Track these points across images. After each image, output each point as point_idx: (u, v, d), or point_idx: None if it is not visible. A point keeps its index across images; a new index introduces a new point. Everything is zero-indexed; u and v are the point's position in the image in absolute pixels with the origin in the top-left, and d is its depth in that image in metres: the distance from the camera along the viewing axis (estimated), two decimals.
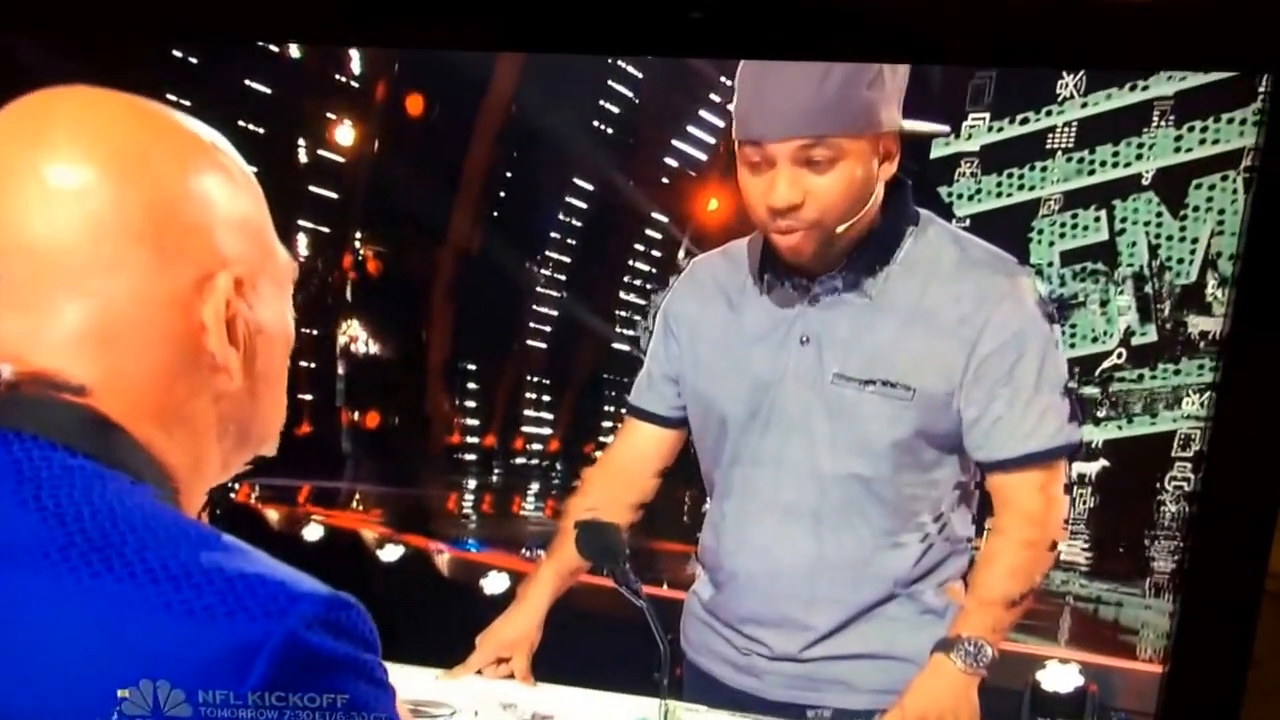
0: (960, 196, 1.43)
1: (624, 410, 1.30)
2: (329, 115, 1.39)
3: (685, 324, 1.27)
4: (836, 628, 1.22)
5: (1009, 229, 1.44)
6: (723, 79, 1.21)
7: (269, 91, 1.34)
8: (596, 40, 1.15)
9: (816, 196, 1.13)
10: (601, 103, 1.37)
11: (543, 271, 1.44)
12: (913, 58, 1.17)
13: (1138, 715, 1.45)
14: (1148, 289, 1.45)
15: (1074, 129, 1.40)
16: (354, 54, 1.32)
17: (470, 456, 1.51)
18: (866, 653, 1.26)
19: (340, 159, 1.36)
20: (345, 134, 1.36)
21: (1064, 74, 1.37)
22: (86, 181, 0.52)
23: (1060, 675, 1.45)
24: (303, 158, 1.39)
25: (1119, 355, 1.47)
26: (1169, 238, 1.43)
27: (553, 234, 1.42)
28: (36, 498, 0.52)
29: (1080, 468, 1.54)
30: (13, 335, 0.54)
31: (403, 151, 1.38)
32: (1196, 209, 1.41)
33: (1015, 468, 1.20)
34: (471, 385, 1.48)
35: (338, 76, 1.34)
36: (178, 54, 1.31)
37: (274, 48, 1.32)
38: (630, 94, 1.32)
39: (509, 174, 1.39)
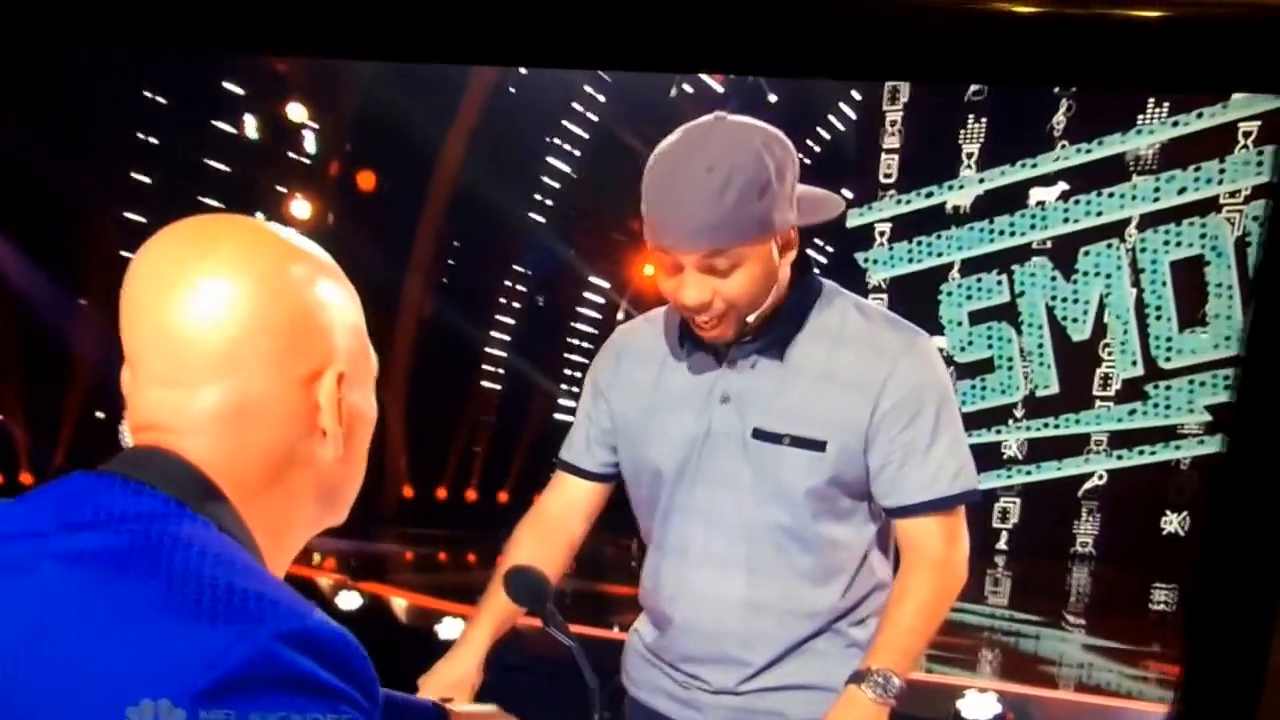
0: (875, 262, 1.56)
1: (556, 463, 1.37)
2: (283, 190, 1.48)
3: (615, 389, 1.30)
4: (770, 662, 1.27)
5: (921, 291, 1.57)
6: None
7: (228, 169, 1.43)
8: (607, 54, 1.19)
9: (724, 295, 1.14)
10: (543, 177, 1.47)
11: (491, 334, 1.53)
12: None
13: None
14: (1046, 344, 1.59)
15: (973, 200, 1.54)
16: (309, 134, 1.41)
17: (423, 509, 1.59)
18: (798, 684, 1.29)
19: (298, 229, 1.45)
20: (301, 208, 1.45)
21: (966, 150, 1.51)
22: (239, 290, 0.61)
23: (979, 703, 1.56)
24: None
25: (1022, 408, 1.60)
26: (1063, 299, 1.58)
27: (500, 299, 1.52)
28: (106, 517, 0.58)
29: (1002, 506, 1.66)
30: (155, 405, 0.63)
31: (356, 223, 1.48)
32: (1086, 273, 1.56)
33: (918, 513, 1.25)
34: (424, 442, 1.57)
35: (292, 154, 1.44)
36: (141, 135, 1.39)
37: (230, 128, 1.41)
38: (568, 168, 1.43)
39: (457, 244, 1.49)
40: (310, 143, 1.34)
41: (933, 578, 1.26)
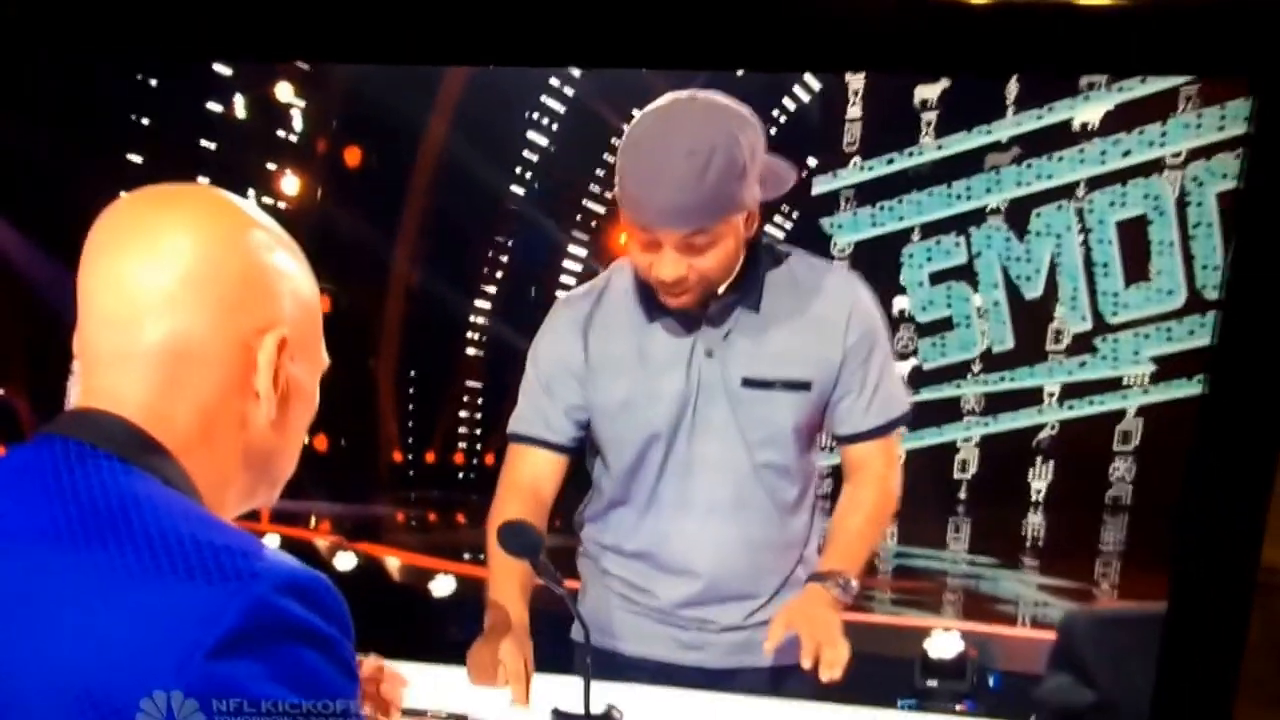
0: (839, 227, 1.64)
1: (515, 438, 1.38)
2: (273, 167, 1.53)
3: (595, 368, 1.33)
4: (773, 594, 1.39)
5: (884, 254, 1.65)
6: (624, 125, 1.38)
7: (215, 147, 1.48)
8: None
9: (699, 270, 1.23)
10: (524, 151, 1.52)
11: (475, 303, 1.59)
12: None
13: (1011, 675, 1.66)
14: (1002, 302, 1.68)
15: (932, 165, 1.62)
16: (296, 112, 1.46)
17: (413, 472, 1.66)
18: None
19: (287, 206, 1.51)
20: (290, 183, 1.50)
21: (925, 119, 1.59)
22: (196, 238, 0.65)
23: (944, 642, 1.66)
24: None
25: (980, 364, 1.69)
26: (1017, 259, 1.66)
27: (484, 269, 1.58)
28: (59, 485, 0.60)
29: (962, 458, 1.74)
30: (101, 348, 0.64)
31: (345, 199, 1.53)
32: (1038, 233, 1.65)
33: (869, 438, 1.37)
34: (413, 408, 1.63)
35: (280, 133, 1.48)
36: (134, 117, 1.44)
37: (219, 108, 1.46)
38: (545, 141, 1.49)
39: (441, 215, 1.54)
40: (297, 121, 1.39)
41: (878, 492, 1.42)
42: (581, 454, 1.39)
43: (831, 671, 1.18)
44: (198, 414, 0.69)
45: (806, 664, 1.18)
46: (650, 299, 1.36)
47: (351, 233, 1.49)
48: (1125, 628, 1.44)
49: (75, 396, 0.69)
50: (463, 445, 1.63)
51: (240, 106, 1.45)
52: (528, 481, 1.37)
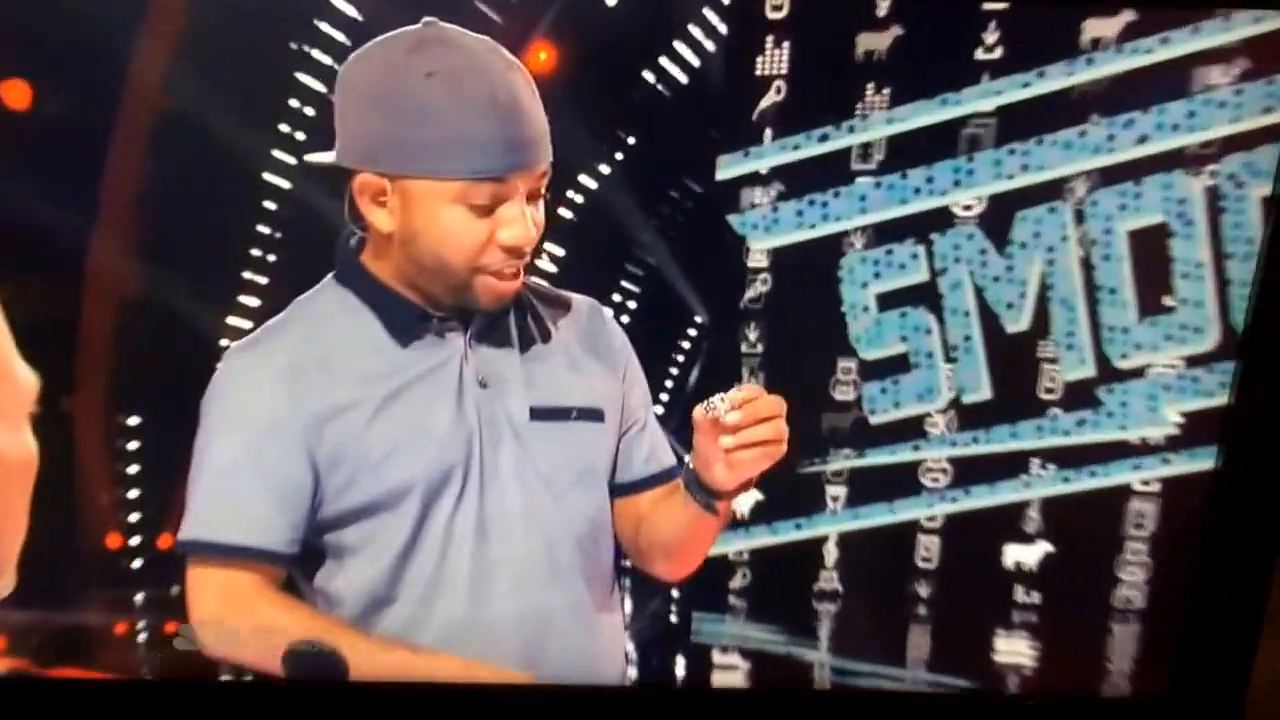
0: (754, 227, 1.20)
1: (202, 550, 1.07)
2: None
3: (321, 423, 1.03)
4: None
5: (815, 266, 1.22)
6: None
7: None
8: None
9: (538, 226, 1.05)
10: (290, 99, 1.09)
11: (227, 320, 1.14)
12: None
13: None
14: (975, 336, 1.25)
15: (882, 149, 1.19)
16: None
17: (138, 563, 1.18)
18: None
19: None
20: None
21: (870, 83, 1.16)
22: None
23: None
24: None
25: (945, 417, 1.25)
26: (995, 278, 1.23)
27: (242, 262, 1.12)
28: None
29: (924, 544, 1.32)
30: None
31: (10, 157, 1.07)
32: (1023, 244, 1.22)
33: (646, 487, 1.15)
34: (140, 467, 1.16)
35: None
36: None
37: None
38: (322, 87, 1.04)
39: (173, 189, 1.09)
40: None
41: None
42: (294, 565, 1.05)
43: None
44: None
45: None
46: (395, 321, 1.04)
47: (20, 209, 1.02)
48: None
49: None
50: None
51: None
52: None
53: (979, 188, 1.20)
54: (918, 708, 1.34)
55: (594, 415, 1.09)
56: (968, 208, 1.21)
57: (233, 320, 1.10)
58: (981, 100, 1.17)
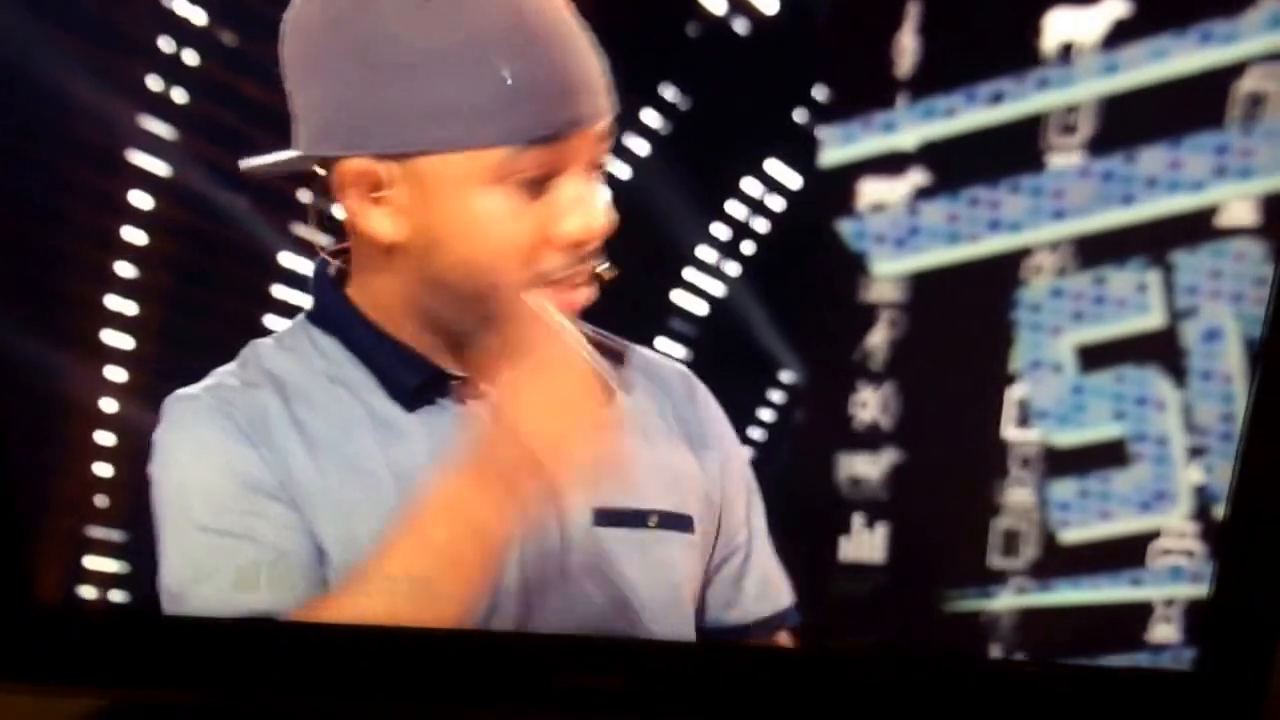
0: (880, 241, 0.78)
1: None
2: None
3: (269, 481, 0.78)
4: None
5: (978, 301, 0.79)
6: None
7: None
8: None
9: (609, 215, 0.78)
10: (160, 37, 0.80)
11: (105, 344, 0.87)
12: None
13: None
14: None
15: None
16: None
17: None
18: None
19: None
20: None
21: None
22: None
23: None
24: None
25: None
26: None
27: (112, 264, 0.84)
28: None
29: None
30: None
31: None
32: None
33: (758, 632, 0.90)
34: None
35: None
36: None
37: None
38: (198, 56, 0.71)
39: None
40: None
41: None
42: None
43: None
44: None
45: None
46: (416, 361, 0.80)
47: None
48: None
49: None
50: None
51: None
52: None
53: (1262, 178, 0.74)
54: (937, 674, 0.99)
55: (680, 523, 0.84)
56: (1238, 212, 0.75)
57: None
58: (1273, 33, 0.71)
